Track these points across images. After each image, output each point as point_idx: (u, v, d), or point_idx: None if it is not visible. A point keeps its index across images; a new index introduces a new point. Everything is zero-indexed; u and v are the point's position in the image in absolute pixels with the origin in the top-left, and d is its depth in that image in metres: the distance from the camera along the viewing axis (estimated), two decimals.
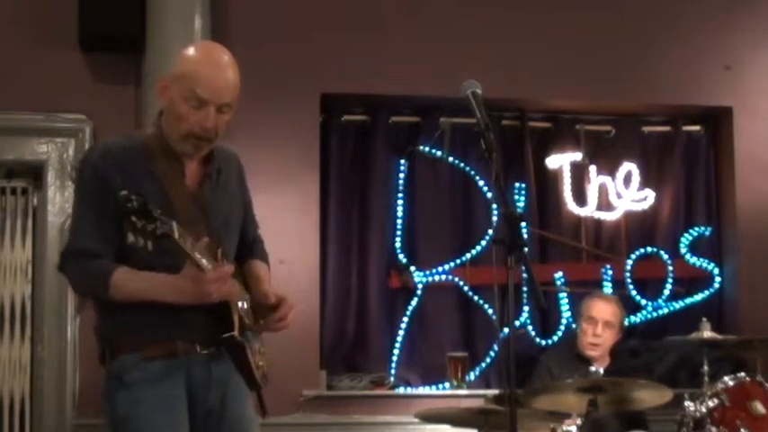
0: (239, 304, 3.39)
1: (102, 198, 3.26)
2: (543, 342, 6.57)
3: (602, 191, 6.80)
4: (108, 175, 3.27)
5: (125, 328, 3.33)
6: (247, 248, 3.64)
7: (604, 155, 6.87)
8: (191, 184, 3.39)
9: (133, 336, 3.31)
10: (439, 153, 6.60)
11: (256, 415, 3.50)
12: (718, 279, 6.80)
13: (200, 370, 3.34)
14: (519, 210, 6.48)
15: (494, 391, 6.03)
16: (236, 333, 3.31)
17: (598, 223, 6.83)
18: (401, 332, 6.49)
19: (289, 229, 6.04)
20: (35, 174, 6.23)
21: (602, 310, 5.77)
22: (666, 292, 6.75)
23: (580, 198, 6.76)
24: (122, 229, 3.09)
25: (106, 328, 3.39)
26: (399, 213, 6.57)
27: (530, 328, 6.55)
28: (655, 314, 6.74)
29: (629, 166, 6.80)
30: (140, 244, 3.03)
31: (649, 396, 4.86)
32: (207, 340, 3.34)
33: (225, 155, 3.53)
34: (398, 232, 6.56)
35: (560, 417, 4.96)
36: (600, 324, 5.72)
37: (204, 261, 3.19)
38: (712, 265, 6.81)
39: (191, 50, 3.41)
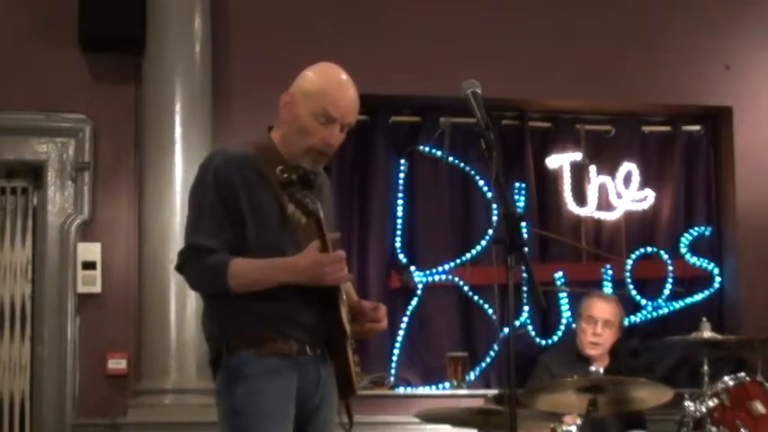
0: (345, 311, 3.47)
1: (223, 201, 3.37)
2: (543, 342, 6.57)
3: (602, 191, 6.80)
4: (230, 179, 3.38)
5: (240, 326, 3.39)
6: None
7: (604, 155, 6.87)
8: None
9: (248, 334, 3.38)
10: (439, 153, 6.59)
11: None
12: (718, 279, 6.80)
13: (311, 370, 3.42)
14: (519, 210, 6.48)
15: (494, 391, 6.04)
16: (348, 332, 3.41)
17: (598, 223, 6.83)
18: (401, 332, 6.49)
19: None
20: (35, 174, 6.24)
21: (602, 309, 5.77)
22: (666, 292, 6.75)
23: (580, 198, 6.76)
24: (243, 226, 3.34)
25: (221, 329, 3.43)
26: (399, 213, 6.57)
27: (530, 328, 6.55)
28: (655, 314, 6.74)
29: (629, 166, 6.80)
30: (297, 217, 3.21)
31: (649, 396, 4.85)
32: (315, 341, 3.42)
33: (322, 175, 3.66)
34: (398, 232, 6.56)
35: (559, 415, 4.96)
36: (599, 323, 5.72)
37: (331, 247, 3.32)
38: (712, 265, 6.81)
39: (316, 70, 3.55)
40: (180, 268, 3.45)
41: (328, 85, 3.48)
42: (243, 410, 3.34)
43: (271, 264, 3.34)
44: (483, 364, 6.54)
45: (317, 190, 3.50)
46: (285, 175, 3.17)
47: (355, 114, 3.52)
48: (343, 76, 3.54)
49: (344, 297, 3.46)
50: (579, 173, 6.79)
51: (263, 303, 3.35)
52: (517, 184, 6.66)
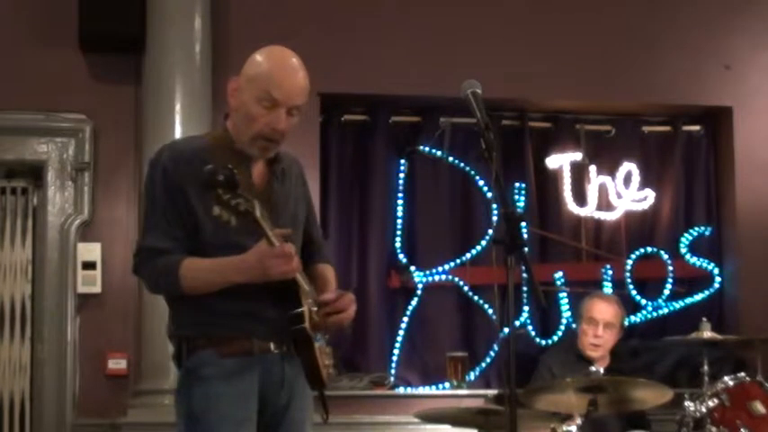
0: (309, 302, 3.40)
1: (172, 198, 3.32)
2: (543, 342, 6.57)
3: (602, 191, 6.80)
4: (178, 175, 3.32)
5: (201, 325, 3.35)
6: (313, 250, 3.66)
7: (604, 155, 6.87)
8: (258, 183, 3.43)
9: (209, 333, 3.34)
10: (439, 153, 6.60)
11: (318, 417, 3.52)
12: (718, 279, 6.80)
13: (274, 369, 3.38)
14: (519, 210, 6.48)
15: (494, 391, 6.04)
16: (306, 325, 3.33)
17: (598, 223, 6.83)
18: (401, 332, 6.49)
19: None
20: (35, 174, 6.24)
21: (603, 311, 5.76)
22: (666, 292, 6.75)
23: (580, 198, 6.76)
24: (196, 223, 3.28)
25: (182, 327, 3.40)
26: (399, 213, 6.57)
27: (530, 328, 6.55)
28: (655, 314, 6.74)
29: (629, 166, 6.80)
30: (225, 218, 3.09)
31: (649, 396, 4.85)
32: (280, 338, 3.37)
33: (288, 157, 3.59)
34: (398, 232, 6.56)
35: (561, 417, 4.96)
36: (601, 325, 5.71)
37: (277, 243, 3.22)
38: (712, 265, 6.80)
39: (262, 54, 3.44)
40: (136, 271, 3.41)
41: (271, 68, 3.37)
42: (200, 414, 3.31)
43: (221, 264, 3.29)
44: (483, 364, 6.54)
45: (281, 174, 3.45)
46: (209, 177, 3.06)
47: (302, 97, 3.38)
48: (290, 58, 3.41)
49: (307, 289, 3.40)
50: (579, 173, 6.79)
51: (224, 301, 3.30)
52: (517, 184, 6.66)
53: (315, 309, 3.41)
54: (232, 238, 3.28)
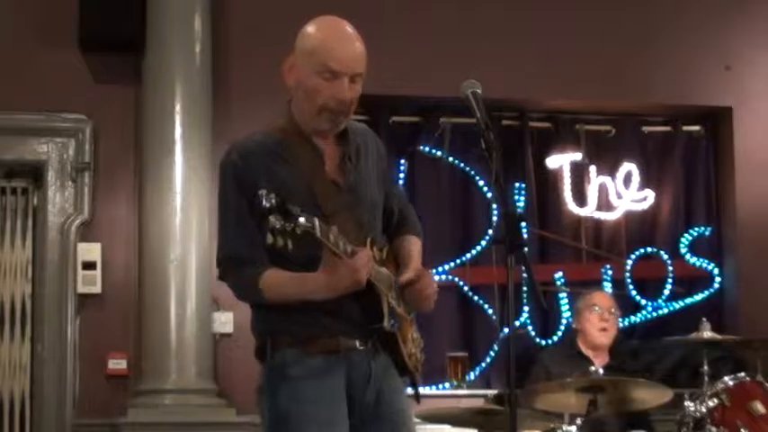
0: (390, 295, 3.33)
1: (248, 200, 3.19)
2: (543, 342, 6.57)
3: (602, 191, 6.80)
4: (250, 174, 3.22)
5: (286, 323, 3.27)
6: (395, 222, 3.55)
7: (604, 155, 6.87)
8: (331, 170, 3.33)
9: (294, 331, 3.26)
10: (439, 153, 6.60)
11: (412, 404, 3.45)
12: (718, 279, 6.81)
13: (360, 366, 3.29)
14: (519, 210, 6.48)
15: (494, 391, 6.04)
16: (385, 323, 3.26)
17: (598, 223, 6.83)
18: None
19: None
20: (35, 174, 6.24)
21: (605, 299, 5.81)
22: (666, 292, 6.75)
23: (580, 198, 6.77)
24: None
25: (266, 323, 3.32)
26: None
27: (530, 328, 6.55)
28: (655, 314, 6.74)
29: (629, 166, 6.81)
30: (279, 244, 2.95)
31: (649, 396, 4.85)
32: (365, 335, 3.30)
33: (360, 130, 3.47)
34: None
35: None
36: (605, 311, 5.73)
37: (349, 248, 3.11)
38: (712, 265, 6.81)
39: (313, 26, 3.33)
40: (221, 279, 3.36)
41: (326, 39, 3.26)
42: (287, 416, 3.22)
43: (302, 281, 3.20)
44: (483, 364, 6.54)
45: (356, 157, 3.33)
46: (260, 203, 2.91)
47: (362, 63, 3.28)
48: (343, 26, 3.34)
49: (386, 283, 3.32)
50: (579, 173, 6.79)
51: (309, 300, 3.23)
52: (517, 184, 6.66)
53: (394, 300, 3.35)
54: (309, 252, 3.12)
